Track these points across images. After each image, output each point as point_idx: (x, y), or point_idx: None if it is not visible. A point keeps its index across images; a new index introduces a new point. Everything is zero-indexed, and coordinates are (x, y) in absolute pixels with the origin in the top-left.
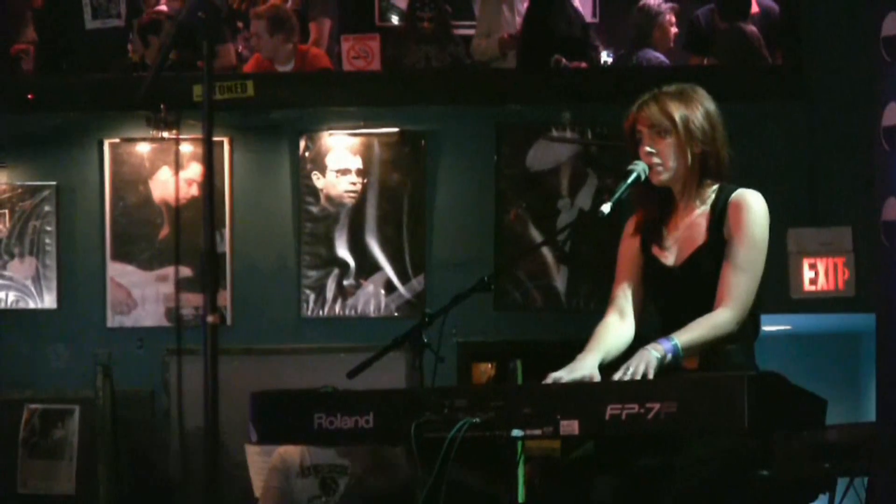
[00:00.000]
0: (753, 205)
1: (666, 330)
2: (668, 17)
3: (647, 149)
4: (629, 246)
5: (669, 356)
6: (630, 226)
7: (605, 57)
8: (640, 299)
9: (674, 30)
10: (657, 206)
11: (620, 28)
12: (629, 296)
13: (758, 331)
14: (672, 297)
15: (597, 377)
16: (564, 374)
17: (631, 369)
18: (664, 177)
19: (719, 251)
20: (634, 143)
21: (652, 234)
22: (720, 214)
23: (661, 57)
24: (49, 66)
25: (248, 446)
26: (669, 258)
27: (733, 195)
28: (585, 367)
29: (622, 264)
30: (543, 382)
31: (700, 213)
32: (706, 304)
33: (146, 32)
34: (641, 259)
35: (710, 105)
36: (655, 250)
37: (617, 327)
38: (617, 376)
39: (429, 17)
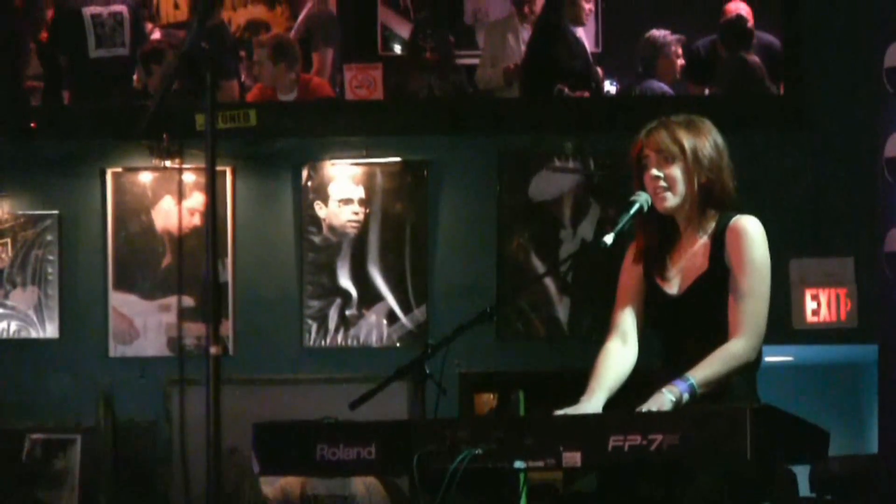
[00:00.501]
0: (750, 230)
1: (668, 359)
2: (673, 48)
3: (654, 172)
4: (630, 274)
5: (686, 396)
6: (631, 254)
7: (609, 86)
8: (640, 326)
9: (679, 62)
10: (659, 235)
11: (623, 58)
12: (630, 320)
13: (760, 361)
14: (675, 325)
15: None
16: (571, 411)
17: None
18: (669, 203)
19: (721, 279)
20: (640, 170)
21: (654, 263)
22: (719, 241)
23: (666, 88)
24: (53, 96)
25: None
26: (672, 287)
27: (731, 222)
28: (590, 408)
29: (623, 291)
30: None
31: (701, 242)
32: (709, 332)
33: (148, 61)
34: (643, 287)
35: (718, 137)
36: (658, 279)
37: (619, 354)
38: None
39: (431, 46)
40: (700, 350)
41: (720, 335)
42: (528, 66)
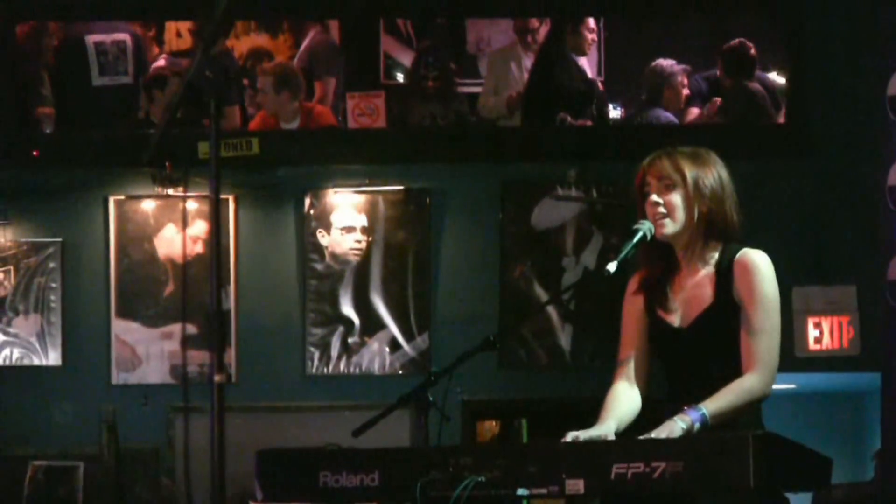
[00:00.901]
0: (760, 265)
1: (674, 390)
2: (679, 78)
3: (654, 198)
4: (633, 306)
5: (697, 425)
6: (633, 284)
7: (613, 112)
8: (646, 360)
9: (685, 91)
10: (661, 266)
11: (626, 86)
12: (635, 359)
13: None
14: (680, 358)
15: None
16: (581, 434)
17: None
18: (668, 230)
19: (727, 312)
20: (643, 198)
21: (656, 295)
22: (726, 274)
23: (671, 117)
24: (65, 123)
25: None
26: (676, 319)
27: (738, 255)
28: (601, 430)
29: (627, 325)
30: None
31: (705, 274)
32: (715, 364)
33: (150, 88)
34: (646, 319)
35: (723, 170)
36: (660, 312)
37: (626, 395)
38: None
39: (433, 75)
40: (706, 382)
41: (726, 367)
42: (531, 94)
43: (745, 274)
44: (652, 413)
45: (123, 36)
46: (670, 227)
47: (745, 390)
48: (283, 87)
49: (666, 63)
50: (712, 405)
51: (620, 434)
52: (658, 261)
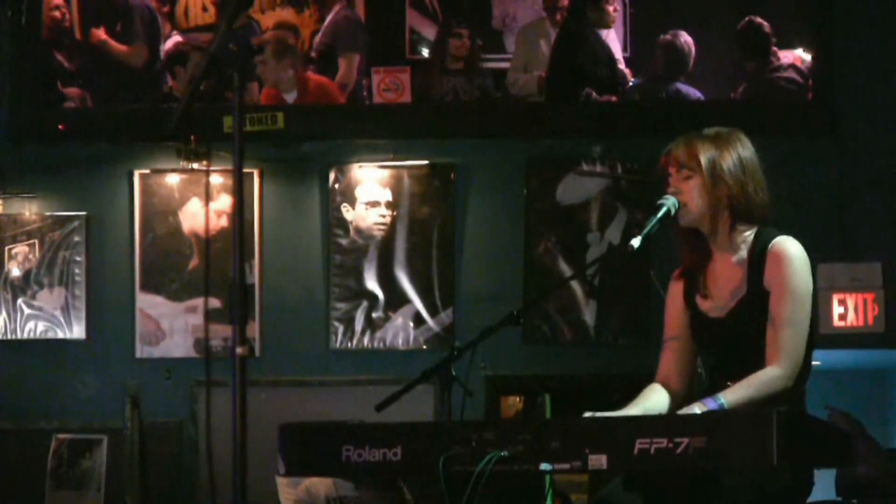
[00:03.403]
0: (794, 256)
1: (713, 378)
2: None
3: (672, 189)
4: (675, 292)
5: None
6: (677, 270)
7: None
8: (689, 348)
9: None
10: (695, 252)
11: (651, 62)
12: (677, 351)
13: (807, 374)
14: (718, 347)
15: None
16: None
17: None
18: (686, 219)
19: (761, 301)
20: (666, 183)
21: (693, 283)
22: (759, 263)
23: (692, 90)
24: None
25: (277, 478)
26: (712, 309)
27: (771, 244)
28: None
29: (669, 312)
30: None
31: (737, 261)
32: (753, 354)
33: (172, 63)
34: (686, 306)
35: (746, 150)
36: (698, 299)
37: (662, 393)
38: None
39: (467, 33)
40: (745, 371)
41: (764, 356)
42: (553, 71)
43: (778, 264)
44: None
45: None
46: (688, 216)
47: (765, 383)
48: (284, 54)
49: (677, 35)
50: (731, 396)
51: None
52: (694, 248)
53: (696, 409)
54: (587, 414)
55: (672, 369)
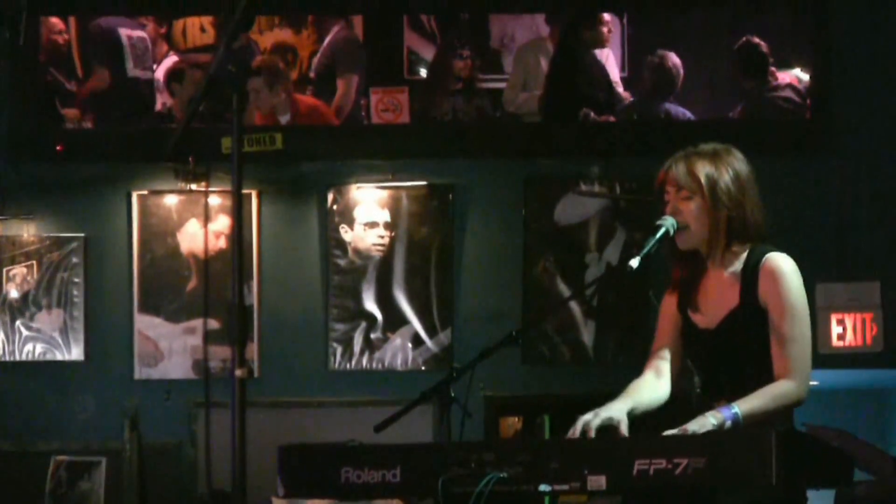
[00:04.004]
0: (787, 272)
1: (705, 388)
2: (679, 70)
3: (672, 209)
4: (669, 303)
5: (728, 423)
6: (672, 283)
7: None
8: (678, 357)
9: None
10: (688, 267)
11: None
12: (667, 355)
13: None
14: (709, 358)
15: (624, 421)
16: (591, 416)
17: (689, 432)
18: (686, 241)
19: (753, 314)
20: (663, 203)
21: (686, 295)
22: (751, 278)
23: (680, 109)
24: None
25: (275, 499)
26: (704, 321)
27: (764, 260)
28: (613, 409)
29: (662, 321)
30: (573, 426)
31: (730, 276)
32: (742, 365)
33: (170, 82)
34: (679, 318)
35: (742, 167)
36: (690, 312)
37: (652, 384)
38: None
39: (468, 54)
40: (735, 382)
41: (754, 368)
42: (549, 92)
43: (772, 281)
44: (683, 408)
45: (142, 32)
46: (689, 238)
47: (780, 395)
48: (276, 82)
49: (665, 55)
50: (745, 405)
51: (637, 419)
52: (685, 263)
53: (711, 418)
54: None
55: (658, 365)
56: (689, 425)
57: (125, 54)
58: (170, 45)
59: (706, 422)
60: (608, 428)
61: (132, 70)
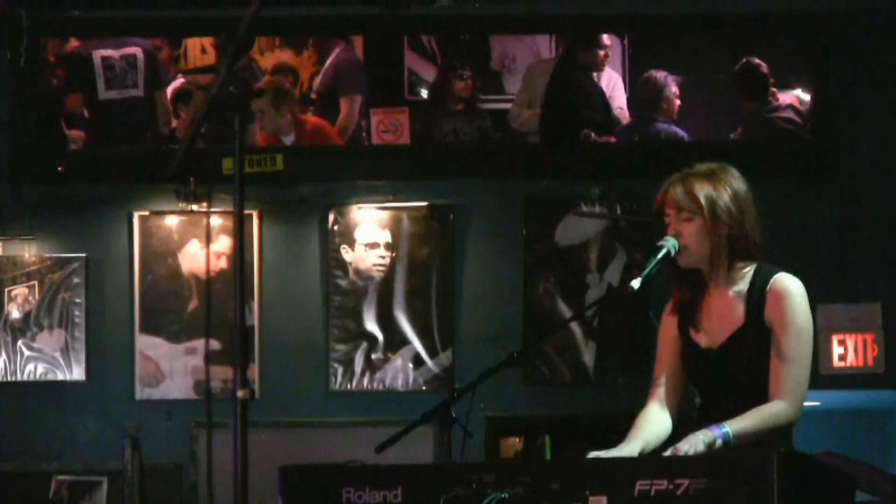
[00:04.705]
0: (795, 293)
1: (706, 410)
2: (672, 89)
3: (673, 231)
4: (667, 327)
5: (719, 442)
6: (669, 306)
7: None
8: (680, 382)
9: (677, 102)
10: (690, 288)
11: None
12: (669, 382)
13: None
14: (711, 379)
15: None
16: (603, 454)
17: (681, 451)
18: (687, 261)
19: (759, 335)
20: (663, 224)
21: (687, 316)
22: (758, 299)
23: (675, 128)
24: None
25: None
26: (706, 341)
27: (772, 281)
28: (624, 452)
29: (661, 345)
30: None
31: (735, 295)
32: (746, 386)
33: (176, 103)
34: (680, 340)
35: (740, 185)
36: (692, 332)
37: (657, 417)
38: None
39: (469, 75)
40: (737, 403)
41: (757, 389)
42: (547, 114)
43: (780, 301)
44: (682, 431)
45: (134, 50)
46: (691, 258)
47: (772, 414)
48: (282, 102)
49: (659, 74)
50: (737, 425)
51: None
52: (686, 283)
53: (701, 437)
54: (591, 454)
55: (662, 394)
56: (680, 445)
57: (96, 76)
58: (177, 69)
59: (696, 440)
60: None
61: (104, 93)
